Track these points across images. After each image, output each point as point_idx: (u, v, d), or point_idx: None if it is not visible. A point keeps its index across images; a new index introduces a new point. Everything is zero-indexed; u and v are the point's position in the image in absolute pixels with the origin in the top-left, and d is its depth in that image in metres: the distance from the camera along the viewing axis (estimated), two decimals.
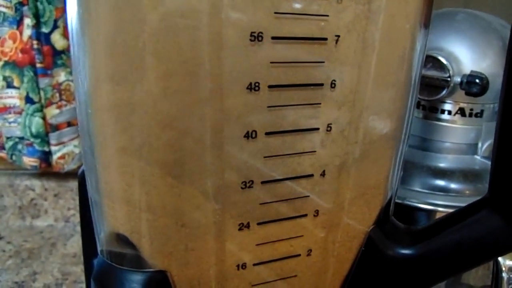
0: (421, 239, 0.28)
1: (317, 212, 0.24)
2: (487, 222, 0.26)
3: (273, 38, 0.19)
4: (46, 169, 0.78)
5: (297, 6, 0.19)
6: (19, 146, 0.75)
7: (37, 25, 0.69)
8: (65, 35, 0.72)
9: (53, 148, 0.75)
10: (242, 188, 0.21)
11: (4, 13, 0.69)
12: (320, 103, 0.21)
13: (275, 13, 0.19)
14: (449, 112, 0.48)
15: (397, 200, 0.45)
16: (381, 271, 0.28)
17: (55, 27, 0.70)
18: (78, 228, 0.86)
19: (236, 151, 0.20)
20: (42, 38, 0.70)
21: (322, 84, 0.21)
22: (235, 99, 0.20)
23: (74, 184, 0.85)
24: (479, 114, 0.48)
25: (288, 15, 0.19)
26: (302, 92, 0.21)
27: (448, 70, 0.45)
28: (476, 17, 0.50)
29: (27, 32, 0.70)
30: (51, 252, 0.79)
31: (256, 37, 0.19)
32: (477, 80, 0.44)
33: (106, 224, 0.23)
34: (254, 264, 0.24)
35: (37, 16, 0.69)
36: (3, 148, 0.77)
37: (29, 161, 0.75)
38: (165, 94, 0.19)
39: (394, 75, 0.24)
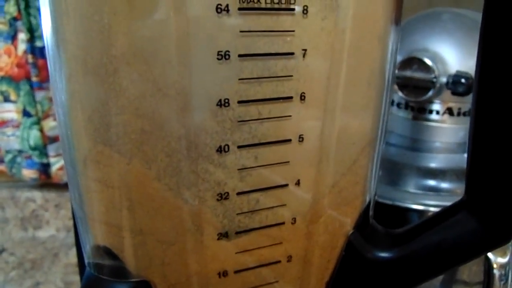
0: (400, 242, 0.29)
1: (294, 219, 0.25)
2: (463, 224, 0.27)
3: (240, 56, 0.20)
4: (46, 181, 0.79)
5: (262, 23, 0.20)
6: (18, 159, 0.76)
7: (31, 39, 0.71)
8: None
9: (51, 160, 0.76)
10: (218, 200, 0.22)
11: None
12: (290, 115, 0.22)
13: (240, 31, 0.20)
14: (438, 112, 0.48)
15: (388, 202, 0.45)
16: (362, 275, 0.29)
17: None
18: None
19: (210, 165, 0.21)
20: (37, 52, 0.71)
21: (291, 97, 0.22)
22: (206, 115, 0.21)
23: None
24: (468, 113, 0.48)
25: (253, 32, 0.20)
26: (272, 106, 0.22)
27: (434, 71, 0.46)
28: (461, 17, 0.50)
29: (22, 46, 0.71)
30: (54, 262, 0.80)
31: (224, 56, 0.20)
32: (463, 80, 0.45)
33: (90, 238, 0.24)
34: (235, 272, 0.25)
35: (31, 30, 0.70)
36: (2, 161, 0.78)
37: (29, 173, 0.76)
38: (137, 115, 0.20)
39: (367, 81, 0.25)
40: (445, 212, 0.28)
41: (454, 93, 0.46)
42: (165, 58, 0.19)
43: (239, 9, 0.19)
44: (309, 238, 0.26)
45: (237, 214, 0.23)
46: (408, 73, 0.48)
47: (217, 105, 0.21)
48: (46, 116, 0.73)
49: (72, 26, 0.19)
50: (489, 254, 0.44)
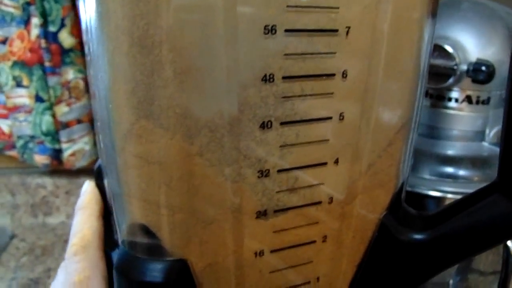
0: (433, 224, 0.29)
1: (331, 199, 0.25)
2: (496, 206, 0.27)
3: (286, 30, 0.20)
4: (57, 167, 0.79)
5: None
6: (30, 145, 0.76)
7: (44, 24, 0.70)
8: (73, 33, 0.72)
9: (63, 146, 0.76)
10: (258, 177, 0.22)
11: (12, 13, 0.70)
12: (332, 93, 0.22)
13: (287, 6, 0.20)
14: (456, 100, 0.48)
15: (413, 190, 0.45)
16: (394, 256, 0.29)
17: (62, 25, 0.71)
18: None
19: (252, 142, 0.21)
20: (50, 37, 0.71)
21: (334, 74, 0.22)
22: (250, 90, 0.20)
23: (84, 181, 0.86)
24: (486, 101, 0.48)
25: (299, 8, 0.20)
26: (315, 83, 0.21)
27: (454, 59, 0.46)
28: (481, 6, 0.50)
29: (35, 31, 0.71)
30: (64, 248, 0.80)
31: (270, 30, 0.19)
32: (483, 68, 0.45)
33: (126, 216, 0.24)
34: (272, 251, 0.24)
35: (44, 15, 0.70)
36: (14, 147, 0.78)
37: (41, 159, 0.76)
38: (182, 88, 0.19)
39: (404, 64, 0.24)
40: (478, 194, 0.28)
41: (475, 80, 0.45)
42: (212, 31, 0.19)
43: None
44: (344, 218, 0.26)
45: (276, 192, 0.23)
46: (430, 60, 0.48)
47: (262, 80, 0.20)
48: (59, 101, 0.73)
49: None
50: (509, 242, 0.44)
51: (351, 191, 0.25)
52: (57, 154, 0.77)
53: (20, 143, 0.76)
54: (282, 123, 0.21)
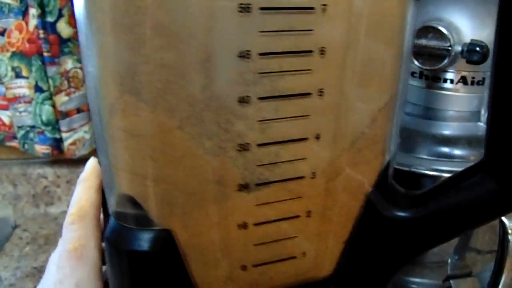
0: (420, 202, 0.29)
1: (314, 174, 0.26)
2: (483, 185, 0.28)
3: (261, 8, 0.21)
4: (58, 156, 0.80)
5: None
6: (31, 135, 0.78)
7: (42, 15, 0.72)
8: (71, 23, 0.74)
9: (64, 135, 0.77)
10: (238, 150, 0.23)
11: (9, 4, 0.72)
12: (310, 69, 0.23)
13: None
14: (452, 81, 0.49)
15: (404, 168, 0.47)
16: (381, 234, 0.30)
17: (60, 16, 0.73)
18: None
19: (231, 116, 0.22)
20: (48, 27, 0.72)
21: (311, 51, 0.23)
22: (228, 66, 0.21)
23: None
24: (481, 82, 0.49)
25: None
26: (293, 59, 0.23)
27: (449, 40, 0.46)
28: None
29: (33, 22, 0.72)
30: None
31: (244, 8, 0.20)
32: (478, 48, 0.45)
33: (115, 188, 0.25)
34: (255, 224, 0.25)
35: (42, 5, 0.71)
36: (14, 137, 0.79)
37: (41, 148, 0.78)
38: (162, 64, 0.21)
39: (385, 41, 0.25)
40: (464, 174, 0.29)
41: (469, 61, 0.46)
42: (187, 10, 0.20)
43: None
44: (329, 194, 0.27)
45: (258, 165, 0.24)
46: (423, 41, 0.49)
47: (239, 56, 0.21)
48: (58, 91, 0.75)
49: None
50: (504, 220, 0.45)
51: (335, 167, 0.26)
52: (57, 143, 0.78)
53: (20, 133, 0.78)
54: (260, 98, 0.22)
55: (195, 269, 0.25)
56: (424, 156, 0.51)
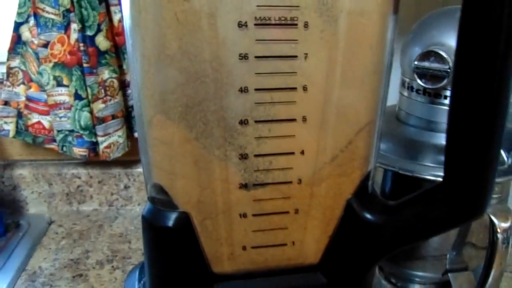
0: (390, 211, 0.38)
1: (300, 180, 0.35)
2: (438, 203, 0.36)
3: (256, 57, 0.30)
4: (94, 158, 0.91)
5: (274, 35, 0.30)
6: (69, 138, 0.88)
7: (82, 29, 0.82)
8: (108, 37, 0.84)
9: (99, 139, 0.88)
10: (239, 158, 0.33)
11: (52, 19, 0.83)
12: (295, 101, 0.32)
13: (256, 40, 0.30)
14: None
15: (408, 173, 0.55)
16: (357, 232, 0.38)
17: (98, 30, 0.83)
18: (122, 211, 1.01)
19: (234, 133, 0.32)
20: (88, 40, 0.83)
21: (296, 88, 0.32)
22: (232, 98, 0.31)
23: (116, 171, 0.99)
24: None
25: (267, 41, 0.30)
26: (281, 94, 0.32)
27: (448, 63, 0.55)
28: None
29: (74, 36, 0.83)
30: (99, 233, 0.93)
31: (244, 57, 0.30)
32: None
33: (150, 178, 0.35)
34: (253, 215, 0.35)
35: (82, 21, 0.82)
36: (54, 140, 0.90)
37: (79, 151, 0.88)
38: (183, 94, 0.31)
39: (361, 74, 0.34)
40: (427, 192, 0.38)
41: None
42: (200, 57, 0.30)
43: (255, 25, 0.30)
44: (313, 197, 0.36)
45: (255, 171, 0.34)
46: (426, 64, 0.58)
47: (239, 91, 0.31)
48: (96, 99, 0.85)
49: (143, 30, 0.30)
50: (494, 219, 0.54)
51: (318, 177, 0.36)
52: (94, 146, 0.88)
53: (60, 137, 0.88)
54: (256, 121, 0.32)
55: (205, 245, 0.35)
56: (427, 163, 0.59)
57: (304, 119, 0.33)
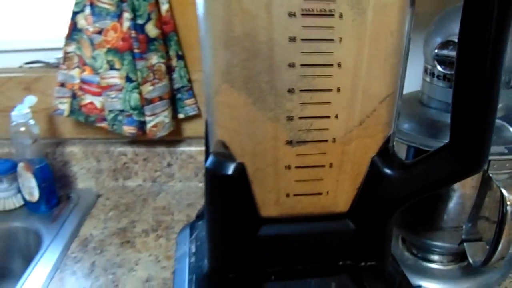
0: (406, 167, 0.48)
1: (334, 139, 0.45)
2: (446, 160, 0.45)
3: (302, 39, 0.40)
4: (142, 137, 1.02)
5: (316, 23, 0.40)
6: (120, 117, 0.99)
7: (134, 18, 0.93)
8: (157, 25, 0.95)
9: (147, 119, 0.98)
10: (287, 120, 0.43)
11: (107, 9, 0.93)
12: (331, 75, 0.42)
13: (303, 26, 0.40)
14: None
15: (428, 149, 0.64)
16: (380, 185, 0.48)
17: (148, 19, 0.94)
18: (164, 187, 1.12)
19: (283, 99, 0.42)
20: (138, 28, 0.93)
21: (332, 65, 0.42)
22: (281, 72, 0.41)
23: (160, 150, 1.10)
24: None
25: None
26: (321, 69, 0.42)
27: None
28: None
29: (126, 24, 0.93)
30: (144, 206, 1.04)
31: (292, 39, 0.40)
32: None
33: (215, 135, 0.45)
34: (296, 167, 0.45)
35: (134, 10, 0.92)
36: (104, 119, 1.01)
37: (128, 129, 0.99)
38: (244, 67, 0.41)
39: (384, 53, 0.44)
40: (435, 152, 0.47)
41: None
42: (258, 39, 0.40)
43: (302, 14, 0.40)
44: (344, 154, 0.46)
45: (298, 130, 0.44)
46: (445, 52, 0.67)
47: (288, 66, 0.41)
48: (145, 81, 0.96)
49: (214, 17, 0.41)
50: (504, 192, 0.62)
51: (348, 137, 0.46)
52: (142, 125, 0.98)
53: (110, 116, 0.99)
54: (301, 90, 0.42)
55: (257, 192, 0.46)
56: (445, 140, 0.68)
57: (338, 89, 0.43)
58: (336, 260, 0.51)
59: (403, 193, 0.48)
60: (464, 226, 0.72)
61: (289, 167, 0.45)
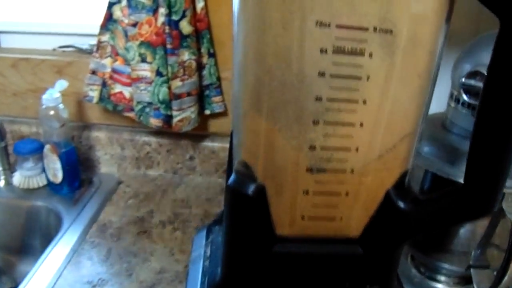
0: (420, 202, 0.50)
1: (352, 171, 0.47)
2: (459, 203, 0.47)
3: (330, 75, 0.42)
4: (166, 129, 1.04)
5: (344, 62, 0.42)
6: (147, 109, 1.01)
7: (169, 14, 0.94)
8: (191, 22, 0.97)
9: (174, 113, 1.00)
10: (309, 149, 0.44)
11: (143, 2, 0.95)
12: (355, 110, 0.44)
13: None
14: None
15: (446, 176, 0.66)
16: (393, 216, 0.49)
17: (183, 16, 0.96)
18: (185, 179, 1.14)
19: (307, 129, 0.44)
20: (173, 24, 0.95)
21: (357, 100, 0.44)
22: (308, 104, 0.43)
23: (184, 143, 1.13)
24: None
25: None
26: (347, 104, 0.44)
27: None
28: None
29: (161, 19, 0.95)
30: (164, 196, 1.06)
31: (322, 74, 0.42)
32: None
33: (238, 155, 0.48)
34: (314, 193, 0.47)
35: (169, 6, 0.94)
36: (132, 109, 1.04)
37: (155, 121, 1.01)
38: (272, 96, 0.43)
39: (409, 99, 0.45)
40: (450, 191, 0.48)
41: None
42: (291, 72, 0.42)
43: (333, 51, 0.41)
44: (361, 185, 0.48)
45: (319, 159, 0.45)
46: (472, 82, 0.68)
47: (315, 99, 0.43)
48: (175, 77, 0.97)
49: (247, 49, 0.43)
50: None
51: (366, 169, 0.47)
52: (168, 119, 1.00)
53: (138, 107, 1.01)
54: (325, 123, 0.44)
55: (274, 212, 0.48)
56: (462, 169, 0.69)
57: (361, 124, 0.45)
58: (342, 281, 0.53)
59: (414, 227, 0.50)
60: (473, 252, 0.74)
61: (307, 192, 0.47)
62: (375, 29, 0.41)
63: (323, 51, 0.41)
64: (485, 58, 0.67)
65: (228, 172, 0.53)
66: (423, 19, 0.42)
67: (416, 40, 0.42)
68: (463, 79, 0.69)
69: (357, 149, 0.46)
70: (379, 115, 0.44)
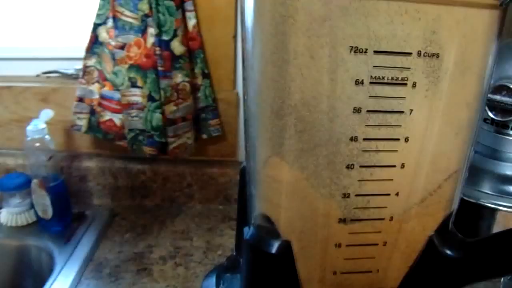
0: (468, 248, 0.42)
1: (391, 218, 0.40)
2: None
3: (367, 111, 0.35)
4: (162, 156, 0.97)
5: (384, 92, 0.35)
6: (140, 137, 0.94)
7: (159, 34, 0.87)
8: (183, 42, 0.89)
9: (169, 140, 0.93)
10: (342, 197, 0.37)
11: (131, 23, 0.88)
12: (396, 150, 0.37)
13: (370, 96, 0.34)
14: None
15: (469, 199, 0.59)
16: (436, 265, 0.43)
17: (174, 35, 0.88)
18: (184, 208, 1.07)
19: (340, 175, 0.36)
20: (163, 44, 0.88)
21: (399, 139, 0.36)
22: (341, 145, 0.35)
23: (181, 170, 1.05)
24: None
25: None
26: (386, 143, 0.36)
27: None
28: None
29: (151, 39, 0.88)
30: (162, 228, 0.99)
31: (357, 111, 0.35)
32: None
33: (257, 209, 0.40)
34: (347, 245, 0.40)
35: (159, 26, 0.87)
36: (124, 137, 0.96)
37: (149, 150, 0.94)
38: (300, 140, 0.35)
39: (455, 128, 0.38)
40: (503, 232, 0.42)
41: None
42: (320, 109, 0.34)
43: (370, 82, 0.34)
44: (400, 232, 0.41)
45: (354, 208, 0.38)
46: (497, 97, 0.61)
47: (350, 139, 0.35)
48: (168, 101, 0.90)
49: (269, 81, 0.35)
50: None
51: (407, 215, 0.40)
52: (163, 146, 0.93)
53: (130, 135, 0.93)
54: (361, 166, 0.36)
55: (301, 269, 0.40)
56: (487, 191, 0.63)
57: (403, 165, 0.37)
58: None
59: (461, 275, 0.43)
60: (502, 279, 0.67)
61: (339, 245, 0.40)
62: (419, 53, 0.34)
63: (358, 82, 0.34)
64: (508, 71, 0.61)
65: (239, 215, 0.45)
66: (474, 37, 0.35)
67: (464, 63, 0.36)
68: (488, 95, 0.62)
69: (397, 194, 0.39)
70: (422, 154, 0.37)
